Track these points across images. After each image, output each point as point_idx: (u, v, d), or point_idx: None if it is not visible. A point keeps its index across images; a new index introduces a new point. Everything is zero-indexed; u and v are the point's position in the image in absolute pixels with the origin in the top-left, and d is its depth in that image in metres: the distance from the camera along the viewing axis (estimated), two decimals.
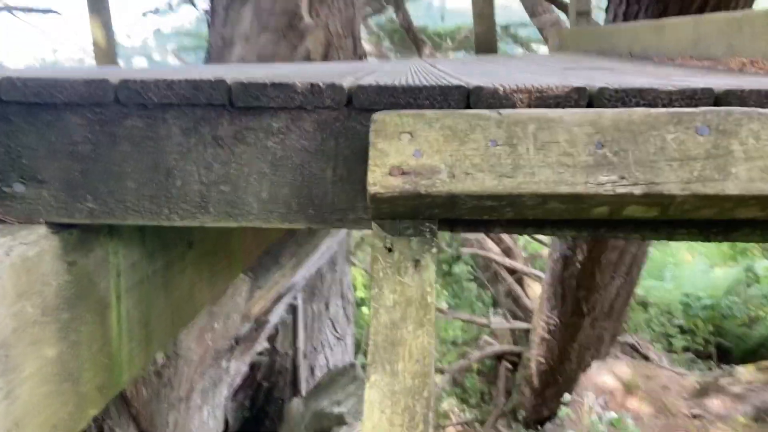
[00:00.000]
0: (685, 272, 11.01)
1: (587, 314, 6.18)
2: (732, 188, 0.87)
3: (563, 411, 6.75)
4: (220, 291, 1.96)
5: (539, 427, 7.33)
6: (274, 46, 4.13)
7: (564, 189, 0.89)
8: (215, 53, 4.40)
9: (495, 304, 9.59)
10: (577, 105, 1.00)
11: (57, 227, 1.11)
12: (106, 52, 4.61)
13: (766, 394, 7.83)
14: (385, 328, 0.91)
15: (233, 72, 1.54)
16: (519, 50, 10.76)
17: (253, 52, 4.14)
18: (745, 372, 8.05)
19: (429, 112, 0.95)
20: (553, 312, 6.32)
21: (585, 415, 7.14)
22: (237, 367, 3.95)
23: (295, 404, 3.54)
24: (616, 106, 0.99)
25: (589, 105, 1.00)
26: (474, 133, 0.93)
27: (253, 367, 4.17)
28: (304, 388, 4.12)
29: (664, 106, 0.99)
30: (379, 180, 0.92)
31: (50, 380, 1.09)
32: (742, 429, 7.35)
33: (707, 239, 1.00)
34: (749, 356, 9.14)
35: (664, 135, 0.90)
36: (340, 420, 3.42)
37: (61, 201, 1.10)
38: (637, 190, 0.88)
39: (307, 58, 4.06)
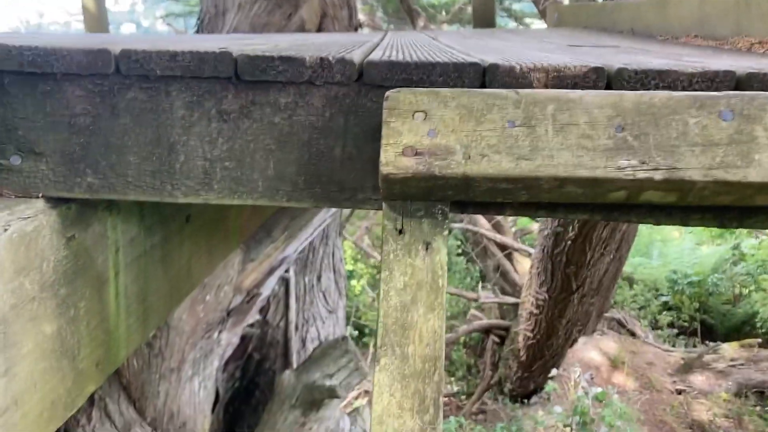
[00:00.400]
0: (672, 250, 11.10)
1: (576, 290, 6.22)
2: (754, 175, 0.85)
3: (550, 386, 6.83)
4: (217, 265, 1.94)
5: (525, 401, 7.42)
6: (267, 15, 4.05)
7: (583, 173, 0.87)
8: (207, 21, 4.31)
9: (483, 278, 9.63)
10: (595, 85, 0.97)
11: (55, 201, 1.08)
12: (97, 17, 4.50)
13: (749, 371, 7.97)
14: (395, 311, 0.89)
15: (234, 43, 1.49)
16: (512, 24, 10.65)
17: (246, 21, 4.05)
18: (729, 349, 8.17)
19: (444, 90, 0.92)
20: (542, 287, 6.36)
21: (571, 390, 7.24)
22: (228, 339, 3.95)
23: (287, 377, 3.55)
24: (635, 88, 0.97)
25: (608, 86, 0.98)
26: (491, 112, 0.90)
27: (245, 338, 4.17)
28: (295, 361, 4.12)
29: (684, 88, 0.97)
30: (392, 160, 0.89)
31: (49, 357, 1.07)
32: (725, 404, 7.48)
33: (722, 225, 0.99)
34: (733, 333, 9.28)
35: (686, 119, 0.88)
36: (332, 393, 3.43)
37: (59, 175, 1.06)
38: (658, 176, 0.86)
39: (302, 28, 3.98)
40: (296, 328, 4.18)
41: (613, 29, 3.01)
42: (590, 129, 0.88)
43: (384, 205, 0.95)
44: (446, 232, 0.94)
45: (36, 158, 1.06)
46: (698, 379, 7.94)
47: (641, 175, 0.86)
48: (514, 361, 7.38)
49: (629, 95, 0.90)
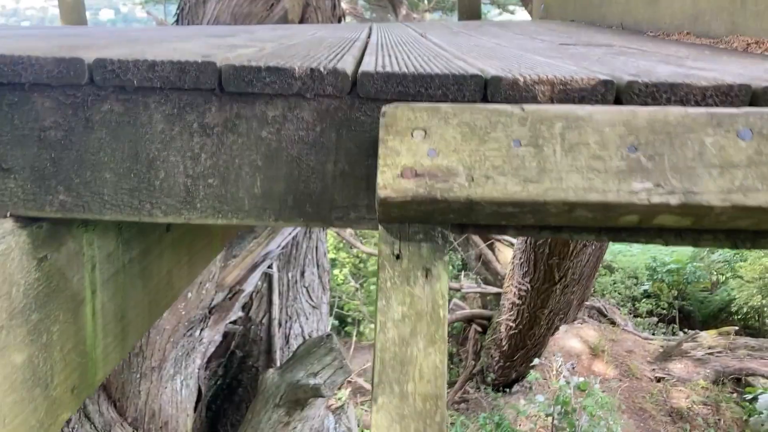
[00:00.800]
0: None
1: (559, 281, 6.22)
2: None
3: (532, 375, 6.86)
4: (199, 273, 1.86)
5: (507, 390, 7.45)
6: (249, 5, 3.94)
7: (594, 197, 0.81)
8: (187, 9, 4.20)
9: (465, 267, 9.63)
10: (603, 99, 0.92)
11: (25, 220, 1.00)
12: (72, 5, 4.36)
13: (726, 359, 8.07)
14: (393, 345, 0.83)
15: (216, 43, 1.41)
16: (496, 12, 10.59)
17: (227, 11, 3.95)
18: (708, 337, 8.27)
19: (445, 106, 0.86)
20: (525, 278, 6.36)
21: (553, 379, 7.26)
22: (210, 336, 3.88)
23: (270, 375, 3.48)
24: (646, 102, 0.91)
25: (616, 99, 0.92)
26: (495, 131, 0.84)
27: (227, 335, 4.10)
28: (278, 357, 4.07)
29: (696, 102, 0.91)
30: (390, 182, 0.83)
31: (19, 388, 1.00)
32: (703, 392, 7.57)
33: (734, 246, 0.94)
34: (710, 319, 9.40)
35: (702, 138, 0.83)
36: (317, 392, 3.38)
37: (29, 192, 0.98)
38: (674, 200, 0.81)
39: (284, 18, 3.89)
40: (279, 324, 4.11)
41: (602, 23, 2.96)
42: (601, 149, 0.83)
43: (380, 228, 0.89)
44: (446, 257, 0.88)
45: (3, 175, 0.98)
46: (677, 367, 8.03)
47: (656, 199, 0.81)
48: (496, 351, 7.40)
49: (642, 112, 0.85)
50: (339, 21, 4.22)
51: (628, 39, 2.20)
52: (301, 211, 0.99)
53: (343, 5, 8.17)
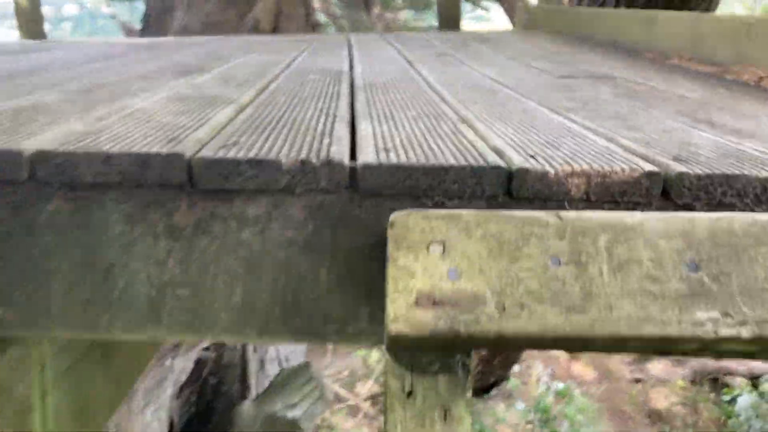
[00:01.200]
0: None
1: None
2: None
3: (512, 382, 6.78)
4: None
5: (486, 394, 7.37)
6: (220, 13, 3.75)
7: (650, 330, 0.67)
8: (154, 18, 3.99)
9: None
10: (648, 195, 0.78)
11: None
12: (30, 13, 4.12)
13: (703, 359, 8.08)
14: None
15: (181, 85, 1.24)
16: (469, 8, 10.42)
17: (197, 19, 3.75)
18: None
19: (466, 214, 0.71)
20: None
21: (533, 385, 7.20)
22: (182, 364, 3.70)
23: (246, 408, 3.32)
24: (698, 197, 0.78)
25: (664, 193, 0.78)
26: (528, 245, 0.69)
27: (199, 362, 3.91)
28: (253, 383, 3.90)
29: (756, 196, 0.78)
30: (403, 314, 0.67)
31: None
32: (681, 392, 7.58)
33: None
34: None
35: None
36: (294, 425, 3.23)
37: None
38: (746, 333, 0.67)
39: (256, 27, 3.71)
40: (254, 348, 3.94)
41: (592, 39, 2.83)
42: (656, 268, 0.69)
43: (388, 357, 0.74)
44: (469, 394, 0.73)
45: None
46: (656, 368, 8.01)
47: (725, 332, 0.67)
48: (476, 356, 7.32)
49: (701, 220, 0.71)
50: (313, 29, 4.05)
51: (627, 64, 2.07)
52: (290, 326, 0.83)
53: (316, 4, 7.96)
